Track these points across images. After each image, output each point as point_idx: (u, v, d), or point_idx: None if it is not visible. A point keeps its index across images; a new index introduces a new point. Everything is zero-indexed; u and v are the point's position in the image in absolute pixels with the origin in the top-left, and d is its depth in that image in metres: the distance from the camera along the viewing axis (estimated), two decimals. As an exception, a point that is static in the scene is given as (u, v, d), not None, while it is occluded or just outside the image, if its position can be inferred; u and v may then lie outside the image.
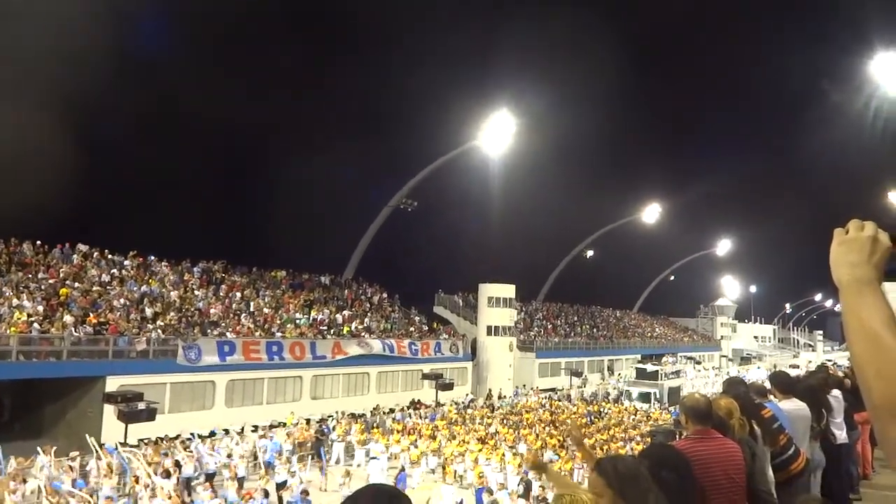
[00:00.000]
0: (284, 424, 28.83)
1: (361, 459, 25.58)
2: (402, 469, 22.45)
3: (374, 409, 34.58)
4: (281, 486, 19.42)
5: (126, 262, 33.36)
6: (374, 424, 30.51)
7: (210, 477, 19.50)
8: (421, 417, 33.37)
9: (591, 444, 26.39)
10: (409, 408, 35.31)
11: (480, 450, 25.99)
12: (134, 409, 23.08)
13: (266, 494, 17.55)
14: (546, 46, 55.57)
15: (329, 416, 31.57)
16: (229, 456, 21.92)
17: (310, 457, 25.03)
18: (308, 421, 29.79)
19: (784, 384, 5.88)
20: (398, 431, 29.18)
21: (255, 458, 23.41)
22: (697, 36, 63.27)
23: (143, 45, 40.74)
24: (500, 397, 43.62)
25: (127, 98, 41.22)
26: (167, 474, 18.19)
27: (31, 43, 32.69)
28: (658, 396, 47.47)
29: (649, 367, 51.69)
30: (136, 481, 16.93)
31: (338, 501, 18.56)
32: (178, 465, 19.73)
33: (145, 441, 22.88)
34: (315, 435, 27.00)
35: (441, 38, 51.52)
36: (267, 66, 48.64)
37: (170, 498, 15.89)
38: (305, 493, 18.04)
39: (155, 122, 42.88)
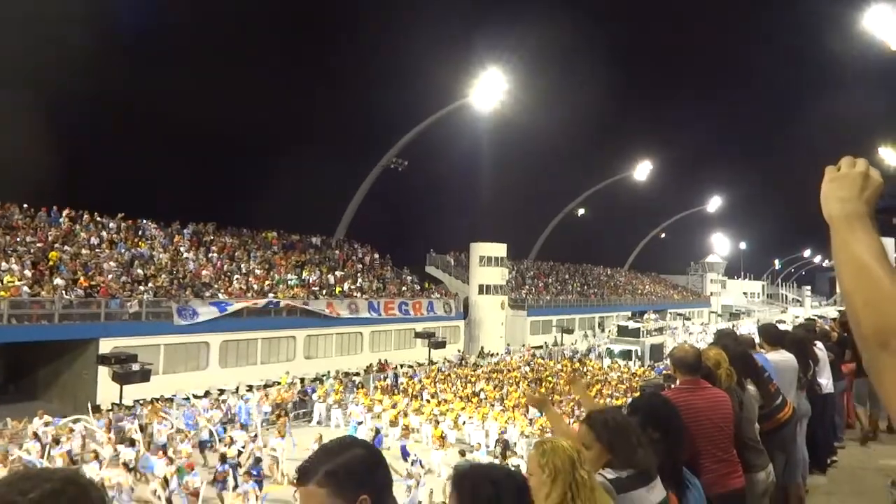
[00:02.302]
0: (279, 384, 29.09)
1: (340, 420, 25.34)
2: (378, 432, 21.94)
3: (367, 367, 34.90)
4: (240, 453, 18.58)
5: (112, 225, 33.10)
6: (359, 384, 30.60)
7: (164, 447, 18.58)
8: (404, 377, 33.35)
9: (574, 402, 26.54)
10: (377, 370, 34.88)
11: (463, 408, 25.99)
12: (128, 370, 23.15)
13: (224, 460, 16.93)
14: (535, 4, 54.76)
15: (323, 376, 31.86)
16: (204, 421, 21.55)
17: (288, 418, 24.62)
18: (303, 380, 30.06)
19: (772, 336, 5.96)
20: (382, 391, 29.26)
21: (231, 420, 22.94)
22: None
23: (131, 13, 39.70)
24: (490, 354, 44.06)
25: (114, 60, 40.49)
26: (131, 443, 17.72)
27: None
28: (640, 354, 47.14)
29: (631, 325, 51.17)
30: (95, 456, 16.35)
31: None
32: (143, 430, 19.48)
33: (141, 402, 23.07)
34: (298, 395, 26.97)
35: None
36: (256, 25, 47.76)
37: (126, 469, 15.64)
38: (258, 460, 17.41)
39: (143, 84, 42.22)
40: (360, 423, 23.31)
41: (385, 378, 32.52)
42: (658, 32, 69.95)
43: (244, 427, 21.78)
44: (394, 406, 26.07)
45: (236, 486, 15.78)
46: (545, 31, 52.04)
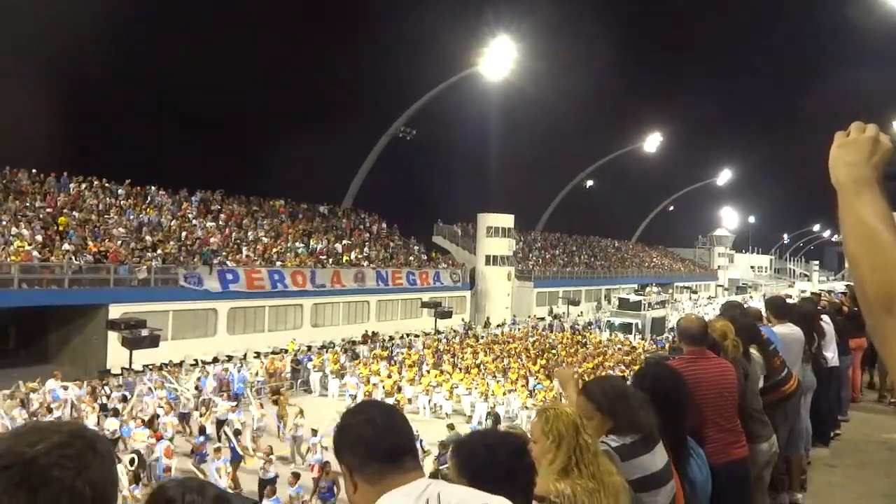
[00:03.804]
0: (287, 351, 29.33)
1: (335, 390, 25.37)
2: None
3: (363, 336, 34.96)
4: (222, 424, 18.46)
5: (120, 191, 33.14)
6: (357, 355, 30.62)
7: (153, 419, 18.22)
8: (404, 346, 33.15)
9: (581, 373, 26.50)
10: (362, 342, 33.96)
11: (462, 379, 25.82)
12: (137, 335, 23.35)
13: (203, 431, 16.90)
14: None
15: (330, 343, 32.03)
16: (194, 388, 21.52)
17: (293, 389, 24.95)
18: (310, 348, 30.26)
19: (779, 308, 5.93)
20: (380, 359, 29.12)
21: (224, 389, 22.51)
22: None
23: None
24: (499, 325, 44.13)
25: (124, 26, 40.18)
26: (115, 413, 17.64)
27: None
28: (640, 327, 46.29)
29: (632, 298, 50.38)
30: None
31: (286, 443, 18.43)
32: (125, 399, 19.40)
33: (150, 367, 23.33)
34: (292, 365, 26.94)
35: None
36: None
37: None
38: (238, 431, 17.32)
39: (152, 52, 41.92)
40: (353, 396, 23.01)
41: (385, 348, 32.57)
42: (669, 2, 68.71)
43: (233, 397, 21.55)
44: (389, 377, 25.99)
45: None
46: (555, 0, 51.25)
